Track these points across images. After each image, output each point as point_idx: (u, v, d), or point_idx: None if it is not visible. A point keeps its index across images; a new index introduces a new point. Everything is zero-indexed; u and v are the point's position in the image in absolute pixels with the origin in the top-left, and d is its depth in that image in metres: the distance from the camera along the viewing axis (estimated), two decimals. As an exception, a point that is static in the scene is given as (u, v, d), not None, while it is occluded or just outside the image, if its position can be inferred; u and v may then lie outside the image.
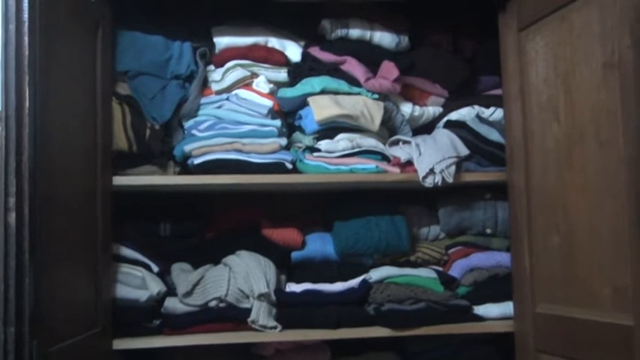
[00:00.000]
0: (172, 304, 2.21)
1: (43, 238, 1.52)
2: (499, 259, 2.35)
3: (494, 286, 2.31)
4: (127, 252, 2.22)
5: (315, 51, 2.37)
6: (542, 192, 2.03)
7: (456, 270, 2.38)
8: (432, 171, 2.23)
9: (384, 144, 2.35)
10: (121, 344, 2.12)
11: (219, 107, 2.30)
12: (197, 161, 2.20)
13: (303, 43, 2.44)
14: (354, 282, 2.31)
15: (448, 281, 2.35)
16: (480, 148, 2.34)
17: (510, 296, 2.23)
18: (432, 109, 2.49)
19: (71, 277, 1.79)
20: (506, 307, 2.28)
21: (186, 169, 2.26)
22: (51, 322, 1.58)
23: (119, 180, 2.13)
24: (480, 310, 2.31)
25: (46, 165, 1.56)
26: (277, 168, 2.22)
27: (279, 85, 2.36)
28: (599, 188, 1.79)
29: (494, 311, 2.30)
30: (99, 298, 1.98)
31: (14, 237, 1.43)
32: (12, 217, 1.42)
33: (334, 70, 2.35)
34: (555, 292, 1.98)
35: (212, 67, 2.36)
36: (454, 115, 2.47)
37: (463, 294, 2.34)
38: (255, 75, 2.33)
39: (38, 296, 1.49)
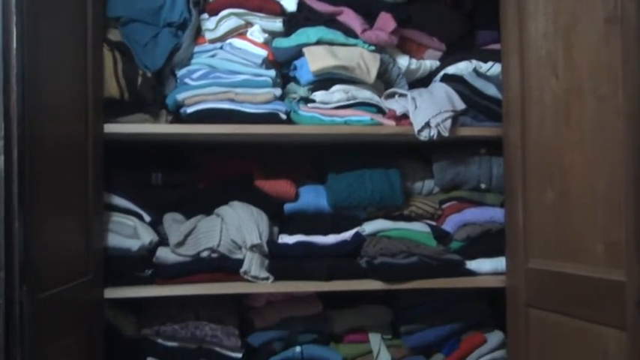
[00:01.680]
0: (164, 254, 2.20)
1: (32, 182, 1.49)
2: (493, 214, 2.35)
3: (487, 242, 2.31)
4: (119, 201, 2.20)
5: (311, 1, 2.33)
6: (538, 147, 2.02)
7: (449, 225, 2.38)
8: (427, 124, 2.21)
9: (380, 97, 2.32)
10: (113, 293, 2.12)
11: (213, 56, 2.26)
12: (190, 110, 2.17)
13: (299, -8, 2.39)
14: (347, 235, 2.30)
15: (441, 236, 2.34)
16: (476, 103, 2.32)
17: (503, 252, 2.22)
18: (429, 63, 2.47)
19: (61, 224, 1.78)
20: (498, 263, 2.28)
21: (178, 118, 2.23)
22: (41, 269, 1.56)
23: (110, 128, 2.10)
24: (473, 265, 2.31)
25: (35, 109, 1.53)
26: (271, 118, 2.19)
27: (274, 34, 2.31)
28: (596, 144, 1.77)
29: (487, 266, 2.30)
30: (90, 247, 1.97)
31: (3, 180, 1.40)
32: (0, 160, 1.40)
33: (330, 21, 2.30)
34: (548, 248, 1.97)
35: (206, 15, 2.30)
36: (451, 69, 2.45)
37: (456, 249, 2.34)
38: (249, 24, 2.29)
39: (28, 242, 1.47)
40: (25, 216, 1.45)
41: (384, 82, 2.38)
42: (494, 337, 2.40)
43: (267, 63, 2.25)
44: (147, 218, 2.24)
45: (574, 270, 1.84)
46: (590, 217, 1.79)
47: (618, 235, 1.68)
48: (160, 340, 2.24)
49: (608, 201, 1.73)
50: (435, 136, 2.21)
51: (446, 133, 2.21)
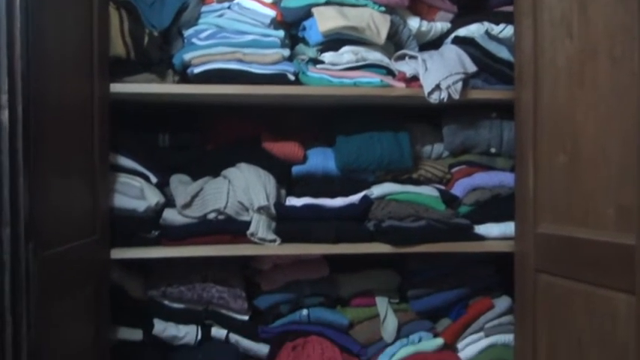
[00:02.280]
0: (171, 216, 2.19)
1: (37, 139, 1.47)
2: (502, 178, 2.33)
3: (496, 206, 2.29)
4: (125, 162, 2.19)
5: (321, -39, 2.28)
6: (551, 110, 1.98)
7: (458, 189, 2.36)
8: (438, 87, 2.18)
9: (390, 59, 2.29)
10: (119, 254, 2.11)
11: (221, 16, 2.22)
12: (197, 70, 2.14)
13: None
14: (355, 198, 2.29)
15: (450, 200, 2.33)
16: (488, 66, 2.29)
17: (512, 216, 2.20)
18: (439, 25, 2.43)
19: (67, 183, 1.76)
20: (507, 227, 2.26)
21: (185, 78, 2.21)
22: (47, 226, 1.55)
23: (116, 87, 2.08)
24: (481, 229, 2.30)
25: (40, 64, 1.50)
26: (279, 79, 2.16)
27: (282, -6, 2.28)
28: (610, 107, 1.74)
29: (495, 231, 2.28)
30: (96, 207, 1.96)
31: (7, 135, 1.38)
32: (5, 114, 1.37)
33: (340, -18, 2.26)
34: (558, 212, 1.95)
35: (213, -26, 2.27)
36: (463, 32, 2.40)
37: (464, 213, 2.33)
38: (257, -17, 2.25)
39: (33, 198, 1.45)
40: (30, 172, 1.44)
41: (394, 43, 2.35)
42: (502, 302, 2.39)
43: (276, 23, 2.22)
44: (153, 179, 2.23)
45: (584, 234, 1.82)
46: (602, 180, 1.76)
47: (630, 199, 1.66)
48: (166, 302, 2.24)
49: (620, 164, 1.70)
50: (445, 99, 2.18)
51: (456, 96, 2.18)
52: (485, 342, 2.37)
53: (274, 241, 2.17)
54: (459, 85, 2.20)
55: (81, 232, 1.85)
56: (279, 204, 2.22)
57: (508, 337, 2.35)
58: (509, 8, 2.30)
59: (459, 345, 2.38)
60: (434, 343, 2.34)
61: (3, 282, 1.40)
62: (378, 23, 2.20)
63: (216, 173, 2.29)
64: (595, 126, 1.80)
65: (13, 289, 1.42)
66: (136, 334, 2.21)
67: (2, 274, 1.40)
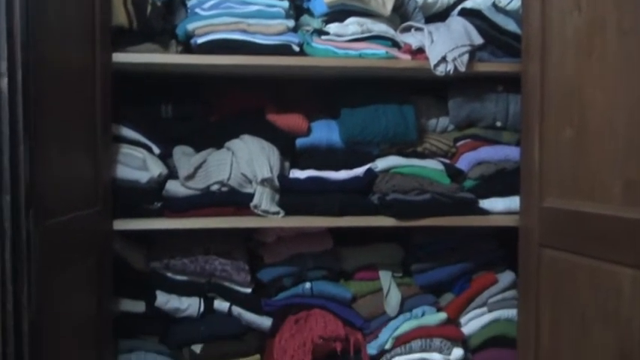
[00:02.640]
0: (174, 187, 2.18)
1: (37, 107, 1.45)
2: (508, 152, 2.31)
3: (501, 181, 2.28)
4: (128, 132, 2.18)
5: None
6: (558, 83, 1.96)
7: (463, 163, 2.34)
8: (444, 59, 2.15)
9: (396, 30, 2.26)
10: (122, 225, 2.11)
11: (225, -14, 2.20)
12: (200, 40, 2.12)
13: None
14: (359, 171, 2.27)
15: (455, 174, 2.31)
16: (495, 38, 2.26)
17: (517, 191, 2.19)
18: (446, -4, 2.39)
19: (68, 152, 1.74)
20: (512, 202, 2.25)
21: (188, 48, 2.18)
22: (48, 195, 1.54)
23: (119, 57, 2.05)
24: (486, 203, 2.28)
25: (40, 31, 1.48)
26: (283, 50, 2.14)
27: (287, -36, 2.25)
28: (618, 80, 1.71)
29: (500, 205, 2.27)
30: (98, 177, 1.95)
31: (7, 103, 1.37)
32: (4, 82, 1.36)
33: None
34: (564, 187, 1.93)
35: (217, -57, 2.24)
36: (469, 3, 2.36)
37: (469, 187, 2.31)
38: (262, -46, 2.22)
39: (34, 167, 1.44)
40: (30, 140, 1.42)
41: (400, 15, 2.32)
42: (506, 277, 2.38)
43: (281, -6, 2.19)
44: (156, 150, 2.22)
45: (590, 208, 1.80)
46: (609, 154, 1.74)
47: (637, 173, 1.64)
48: (169, 274, 2.24)
49: (628, 138, 1.68)
50: (451, 71, 2.15)
51: (462, 68, 2.15)
52: (488, 317, 2.37)
53: (278, 213, 2.16)
54: (466, 57, 2.17)
55: (83, 202, 1.84)
56: (282, 176, 2.21)
57: (511, 312, 2.34)
58: (517, -20, 2.27)
59: (462, 320, 2.38)
60: (437, 317, 2.33)
61: (3, 250, 1.40)
62: (383, -6, 2.18)
63: (219, 145, 2.28)
64: (603, 99, 1.77)
65: (13, 258, 1.41)
66: (138, 306, 2.21)
67: (3, 242, 1.39)
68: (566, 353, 1.92)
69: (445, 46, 2.16)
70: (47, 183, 1.54)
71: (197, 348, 2.23)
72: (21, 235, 1.41)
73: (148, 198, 2.16)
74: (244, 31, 2.13)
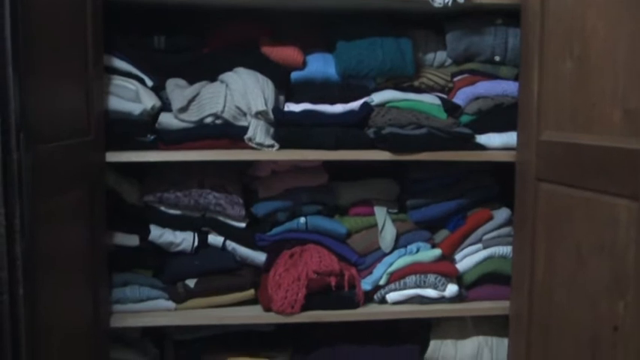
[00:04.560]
0: (167, 120, 2.15)
1: (24, 29, 1.41)
2: (506, 87, 2.28)
3: (499, 116, 2.26)
4: (120, 64, 2.15)
5: None
6: (558, 15, 1.93)
7: (460, 98, 2.31)
8: (442, -10, 2.11)
9: (393, -39, 2.21)
10: (115, 157, 2.08)
11: None
12: (193, -31, 2.07)
13: None
14: (355, 104, 2.24)
15: (452, 108, 2.28)
16: (493, -31, 2.21)
17: (514, 126, 2.17)
18: None
19: (59, 80, 1.71)
20: (509, 137, 2.23)
21: (181, -22, 2.13)
22: (38, 120, 1.51)
23: (110, -15, 2.01)
24: (483, 139, 2.26)
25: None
26: (278, -21, 2.09)
27: None
28: (620, 7, 1.68)
29: (497, 141, 2.25)
30: (90, 107, 1.91)
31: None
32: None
33: None
34: (562, 119, 1.91)
35: None
36: None
37: (466, 122, 2.29)
38: None
39: (23, 91, 1.41)
40: (18, 63, 1.38)
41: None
42: (501, 213, 2.37)
43: None
44: (149, 83, 2.18)
45: (589, 140, 1.78)
46: (610, 84, 1.71)
47: (637, 103, 1.62)
48: (162, 208, 2.22)
49: (629, 67, 1.65)
50: (449, 4, 2.11)
51: (461, 0, 2.11)
52: (483, 253, 2.36)
53: (272, 146, 2.13)
54: (465, -11, 2.13)
55: (74, 131, 1.81)
56: (277, 109, 2.17)
57: (506, 249, 2.34)
58: None
59: (457, 256, 2.37)
60: (432, 253, 2.32)
61: (-6, 173, 1.37)
62: None
63: (213, 77, 2.24)
64: (603, 28, 1.74)
65: (5, 180, 1.39)
66: (132, 240, 2.20)
67: (-7, 166, 1.37)
68: (560, 287, 1.93)
69: (444, -24, 2.11)
70: (37, 108, 1.51)
71: (191, 282, 2.22)
72: (12, 157, 1.38)
73: (141, 130, 2.13)
74: (238, -39, 2.08)
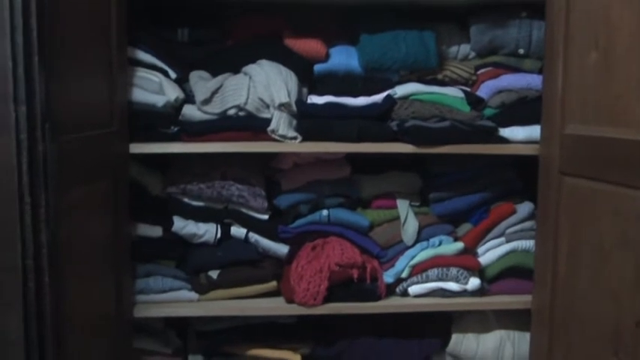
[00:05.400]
0: (190, 112, 2.16)
1: (50, 19, 1.43)
2: (530, 80, 2.26)
3: (522, 109, 2.24)
4: (144, 56, 2.16)
5: None
6: (584, 6, 1.90)
7: (484, 91, 2.30)
8: (467, -17, 2.10)
9: (417, -47, 2.20)
10: (138, 148, 2.10)
11: None
12: (217, -38, 2.08)
13: None
14: (378, 97, 2.24)
15: (475, 101, 2.27)
16: (519, -38, 2.20)
17: (538, 120, 2.15)
18: None
19: (83, 71, 1.73)
20: (532, 131, 2.21)
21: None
22: (63, 110, 1.53)
23: (135, -22, 2.02)
24: (506, 132, 2.25)
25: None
26: (302, -28, 2.09)
27: None
28: (647, 0, 1.67)
29: (521, 134, 2.23)
30: (113, 98, 1.93)
31: (21, 12, 1.34)
32: (18, -3, 1.34)
33: None
34: (587, 113, 1.90)
35: None
36: None
37: (489, 115, 2.27)
38: None
39: (48, 79, 1.43)
40: (44, 51, 1.40)
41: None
42: (524, 207, 2.35)
43: None
44: (172, 75, 2.19)
45: (613, 134, 1.77)
46: (635, 76, 1.69)
47: (663, 95, 1.61)
48: (185, 199, 2.23)
49: (654, 58, 1.64)
50: (475, -4, 2.10)
51: (486, -7, 2.11)
52: (505, 247, 2.35)
53: (295, 138, 2.14)
54: (489, -19, 2.12)
55: (98, 122, 1.84)
56: (300, 101, 2.18)
57: (529, 243, 2.32)
58: None
59: (479, 250, 2.36)
60: (454, 247, 2.31)
61: (20, 162, 1.39)
62: None
63: (236, 70, 2.25)
64: (629, 19, 1.72)
65: (30, 170, 1.41)
66: (155, 231, 2.22)
67: (19, 154, 1.39)
68: (583, 281, 1.92)
69: (468, -31, 2.11)
70: (62, 98, 1.53)
71: (214, 274, 2.24)
72: (37, 148, 1.41)
73: (165, 122, 2.15)
74: (262, -46, 2.09)
